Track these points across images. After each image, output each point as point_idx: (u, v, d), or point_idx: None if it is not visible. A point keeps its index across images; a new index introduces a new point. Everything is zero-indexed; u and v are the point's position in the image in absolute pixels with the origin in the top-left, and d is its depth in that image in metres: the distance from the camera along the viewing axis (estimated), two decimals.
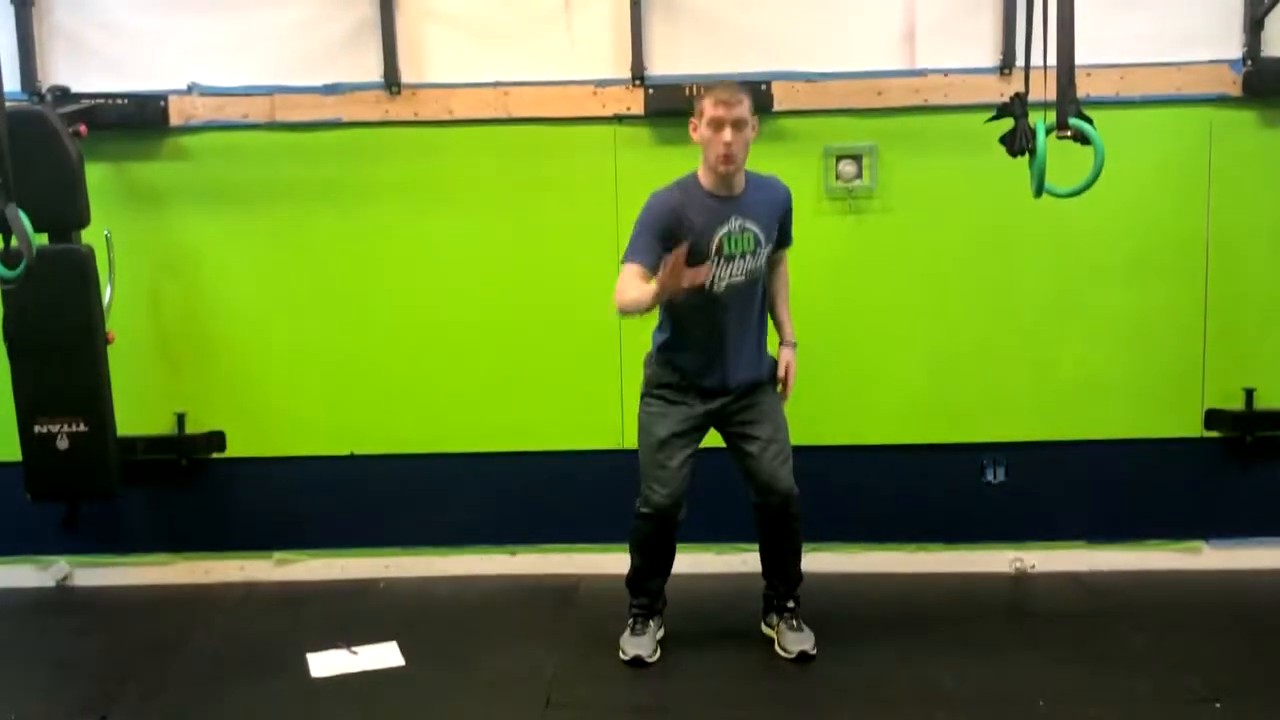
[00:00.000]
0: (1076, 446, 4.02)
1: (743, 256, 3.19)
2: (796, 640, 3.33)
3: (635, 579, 3.38)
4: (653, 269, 3.05)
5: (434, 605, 3.90)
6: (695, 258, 3.06)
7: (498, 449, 4.08)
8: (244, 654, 3.49)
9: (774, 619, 3.43)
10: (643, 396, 3.32)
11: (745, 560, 4.04)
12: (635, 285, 3.07)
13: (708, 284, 3.11)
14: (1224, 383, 3.98)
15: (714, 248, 3.14)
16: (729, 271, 3.18)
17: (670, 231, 3.09)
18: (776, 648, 3.36)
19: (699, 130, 3.14)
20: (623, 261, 3.15)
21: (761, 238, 3.22)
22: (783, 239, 3.36)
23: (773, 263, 3.35)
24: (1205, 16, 3.87)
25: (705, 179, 3.19)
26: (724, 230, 3.15)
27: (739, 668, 3.32)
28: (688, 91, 3.82)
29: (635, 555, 3.36)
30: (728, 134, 3.07)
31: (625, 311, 3.13)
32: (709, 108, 3.09)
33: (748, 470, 3.32)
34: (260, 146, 3.96)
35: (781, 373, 3.37)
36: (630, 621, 3.36)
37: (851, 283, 3.98)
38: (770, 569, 3.45)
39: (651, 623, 3.37)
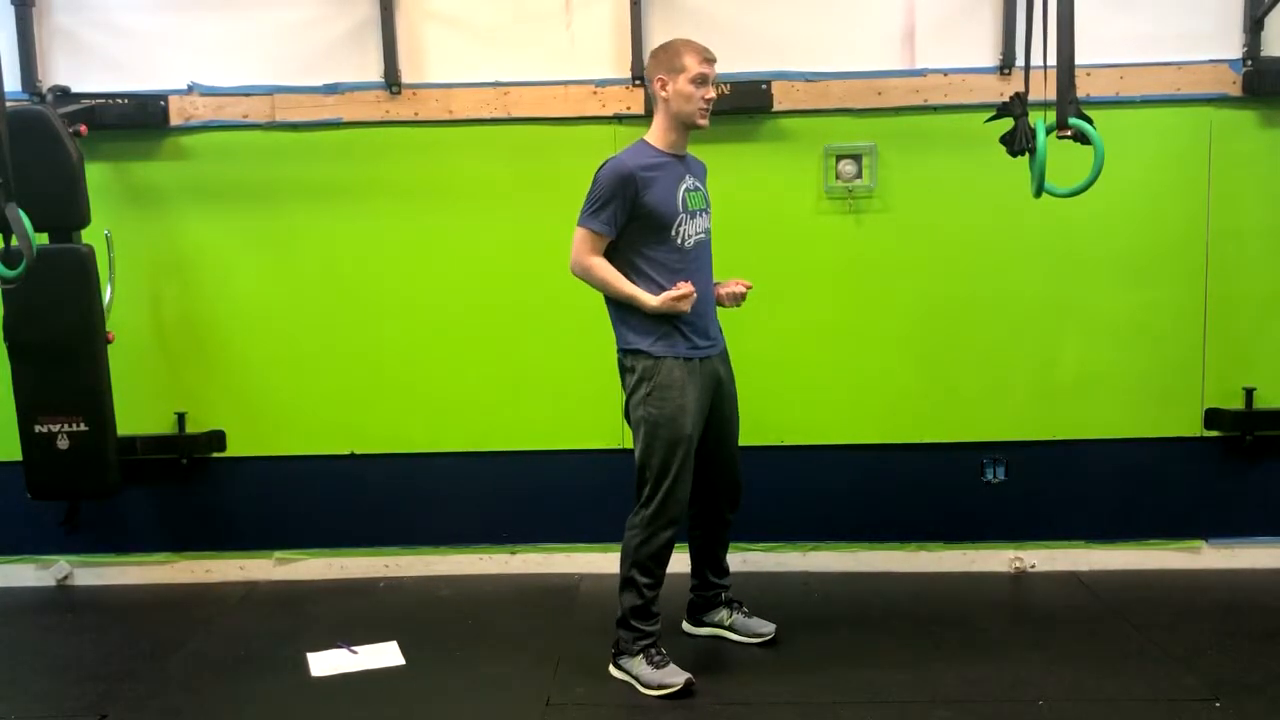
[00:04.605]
0: (1076, 446, 4.03)
1: (701, 214, 3.23)
2: (760, 624, 3.47)
3: (648, 605, 3.17)
4: (611, 236, 3.10)
5: (434, 605, 3.90)
6: (661, 216, 3.10)
7: (498, 449, 4.08)
8: (244, 654, 3.49)
9: (726, 613, 3.50)
10: (650, 392, 3.12)
11: (745, 559, 4.05)
12: (608, 268, 3.11)
13: (680, 240, 3.15)
14: (1224, 382, 3.98)
15: (680, 203, 3.15)
16: (693, 228, 3.19)
17: (634, 199, 3.08)
18: (741, 636, 3.46)
19: (676, 85, 3.11)
20: (580, 224, 3.11)
21: (707, 197, 3.28)
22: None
23: None
24: (1205, 16, 3.87)
25: (661, 140, 3.18)
26: (684, 186, 3.17)
27: (737, 667, 3.32)
28: None
29: (651, 577, 3.16)
30: (712, 90, 3.15)
31: (587, 280, 3.15)
32: (696, 64, 3.11)
33: (721, 464, 3.33)
34: (260, 146, 3.97)
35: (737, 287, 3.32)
36: (646, 655, 3.16)
37: (851, 282, 3.98)
38: (719, 566, 3.50)
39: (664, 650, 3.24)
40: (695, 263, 3.20)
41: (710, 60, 3.15)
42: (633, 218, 3.09)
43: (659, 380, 3.14)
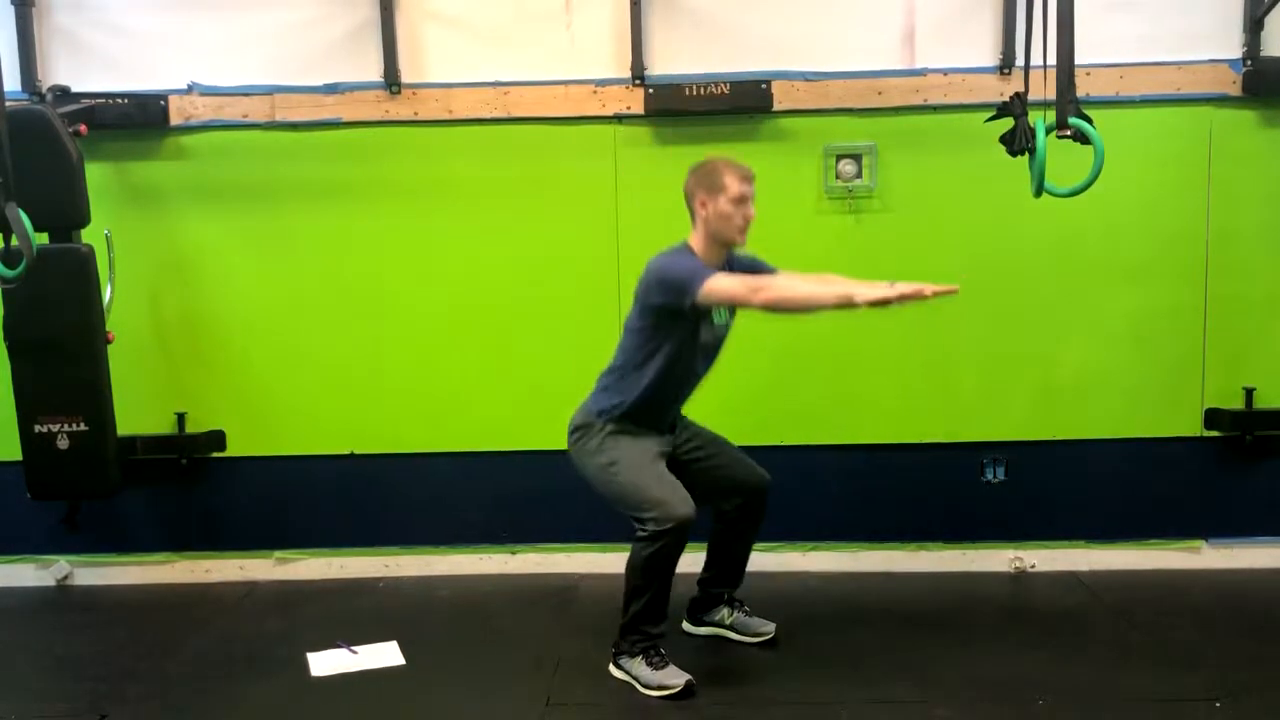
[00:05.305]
0: (1076, 446, 4.03)
1: (724, 324, 3.28)
2: (760, 623, 3.48)
3: (652, 610, 3.16)
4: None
5: (434, 605, 3.90)
6: (695, 320, 3.13)
7: (498, 449, 4.08)
8: (244, 654, 3.49)
9: (727, 612, 3.50)
10: (601, 443, 3.21)
11: None
12: (800, 283, 3.08)
13: (696, 342, 3.18)
14: (1224, 382, 3.98)
15: (710, 316, 3.20)
16: (712, 336, 3.24)
17: None
18: (741, 636, 3.47)
19: (716, 205, 3.13)
20: (700, 280, 2.99)
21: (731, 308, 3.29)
22: (758, 267, 3.33)
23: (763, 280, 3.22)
24: (1205, 16, 3.87)
25: (701, 252, 3.19)
26: None
27: (737, 667, 3.32)
28: (688, 91, 3.83)
29: (656, 582, 3.13)
30: (752, 209, 3.17)
31: (783, 304, 3.03)
32: (737, 184, 3.13)
33: (723, 475, 3.34)
34: (260, 146, 3.97)
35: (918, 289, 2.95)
36: (645, 656, 3.16)
37: None
38: (732, 567, 3.49)
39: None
40: (698, 364, 3.25)
41: (749, 179, 3.16)
42: (671, 308, 3.09)
43: (612, 431, 3.21)
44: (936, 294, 2.91)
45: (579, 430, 3.29)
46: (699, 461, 3.33)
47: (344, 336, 4.04)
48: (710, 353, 3.28)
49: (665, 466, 3.20)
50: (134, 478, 3.99)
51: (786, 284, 3.10)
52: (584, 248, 3.96)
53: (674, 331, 3.14)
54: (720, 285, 3.03)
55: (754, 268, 3.31)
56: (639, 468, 3.16)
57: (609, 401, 3.25)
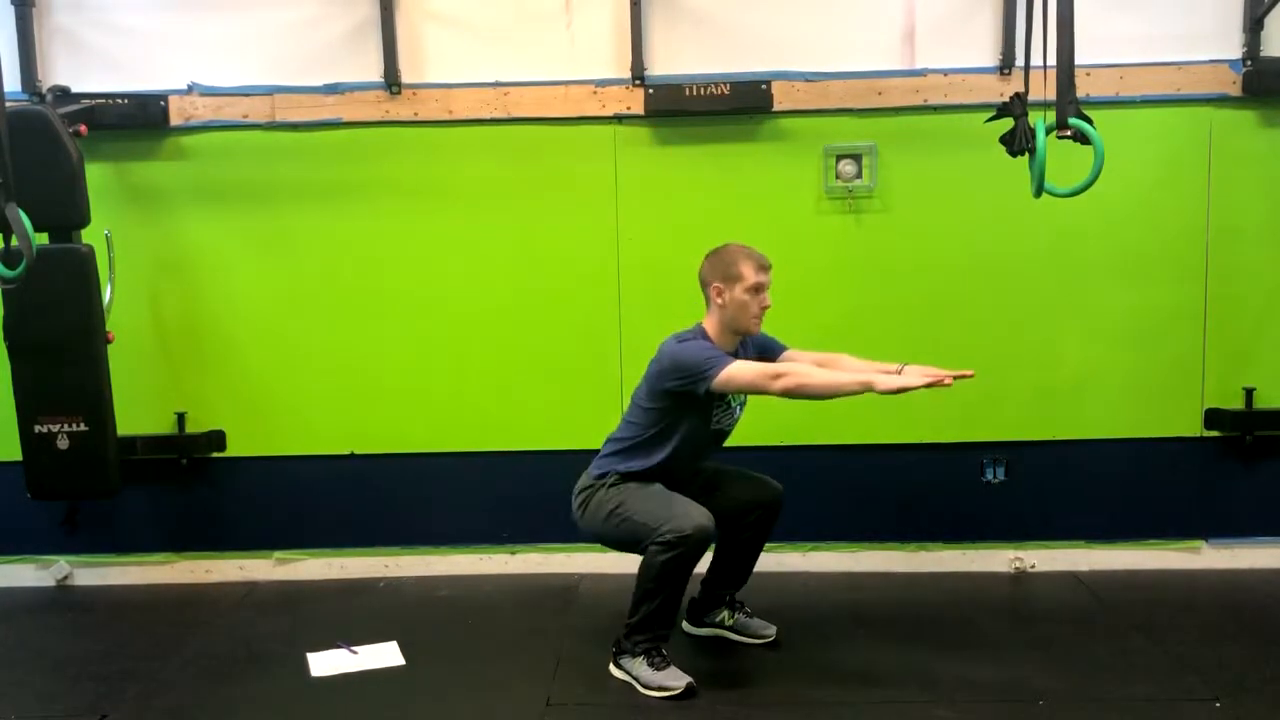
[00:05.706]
0: (1076, 446, 4.03)
1: (739, 406, 3.30)
2: (762, 625, 3.47)
3: (663, 612, 3.14)
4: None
5: (434, 605, 3.90)
6: (705, 408, 3.16)
7: (498, 449, 4.08)
8: (244, 654, 3.49)
9: (728, 614, 3.49)
10: (606, 495, 3.21)
11: None
12: (819, 371, 3.11)
13: (710, 425, 3.22)
14: (1224, 382, 3.98)
15: (725, 400, 3.23)
16: (727, 420, 3.28)
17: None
18: (742, 637, 3.46)
19: (732, 294, 3.15)
20: (716, 368, 3.03)
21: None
22: (770, 348, 3.37)
23: (786, 363, 3.28)
24: (1205, 16, 3.87)
25: (717, 336, 3.21)
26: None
27: (737, 668, 3.32)
28: (688, 92, 3.83)
29: (670, 587, 3.09)
30: (768, 298, 3.19)
31: (811, 394, 3.08)
32: (753, 274, 3.15)
33: (735, 496, 3.35)
34: (260, 146, 3.97)
35: (938, 376, 3.03)
36: (647, 656, 3.14)
37: (851, 283, 3.98)
38: (739, 568, 3.48)
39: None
40: (711, 446, 3.30)
41: (766, 268, 3.18)
42: (683, 392, 3.12)
43: (615, 483, 3.23)
44: (957, 379, 2.99)
45: (582, 493, 3.30)
46: (708, 492, 3.31)
47: (344, 336, 4.04)
48: (721, 436, 3.32)
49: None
50: (134, 478, 3.99)
51: (805, 371, 3.10)
52: (584, 248, 3.96)
53: (686, 415, 3.18)
54: (738, 374, 3.06)
55: (766, 348, 3.34)
56: (645, 498, 3.16)
57: (612, 466, 3.27)
